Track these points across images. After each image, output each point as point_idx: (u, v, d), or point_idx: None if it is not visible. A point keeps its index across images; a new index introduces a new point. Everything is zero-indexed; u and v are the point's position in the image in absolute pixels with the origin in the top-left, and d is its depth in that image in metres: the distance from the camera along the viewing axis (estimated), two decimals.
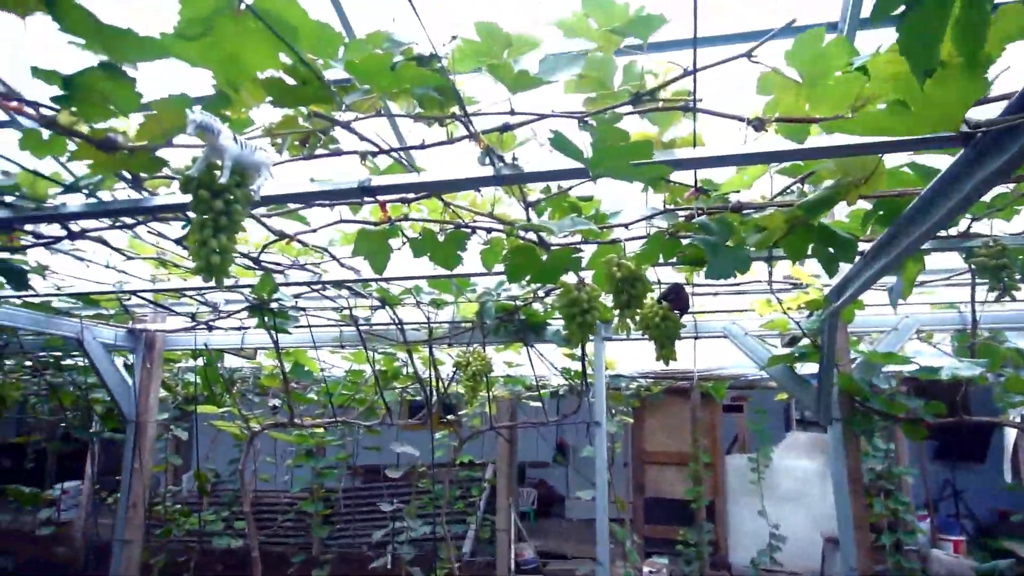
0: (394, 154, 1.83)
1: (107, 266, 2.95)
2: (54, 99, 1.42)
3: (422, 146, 1.72)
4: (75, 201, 2.04)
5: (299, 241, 2.58)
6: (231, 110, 1.59)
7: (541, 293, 3.35)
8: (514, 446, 7.59)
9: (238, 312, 3.70)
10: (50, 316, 3.89)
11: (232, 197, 1.45)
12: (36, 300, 3.79)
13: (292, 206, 2.28)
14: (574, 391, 4.89)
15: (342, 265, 2.89)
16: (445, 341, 3.98)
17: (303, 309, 3.68)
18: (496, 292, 3.47)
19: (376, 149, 1.75)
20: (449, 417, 4.76)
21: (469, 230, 2.27)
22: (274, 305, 3.56)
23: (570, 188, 2.07)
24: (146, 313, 4.30)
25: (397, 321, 3.75)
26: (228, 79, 1.53)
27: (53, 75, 1.40)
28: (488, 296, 3.56)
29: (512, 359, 5.14)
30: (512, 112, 1.63)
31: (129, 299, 3.66)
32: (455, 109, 1.61)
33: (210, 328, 4.25)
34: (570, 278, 2.24)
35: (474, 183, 1.72)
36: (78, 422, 5.24)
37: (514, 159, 1.68)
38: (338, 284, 3.16)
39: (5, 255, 2.85)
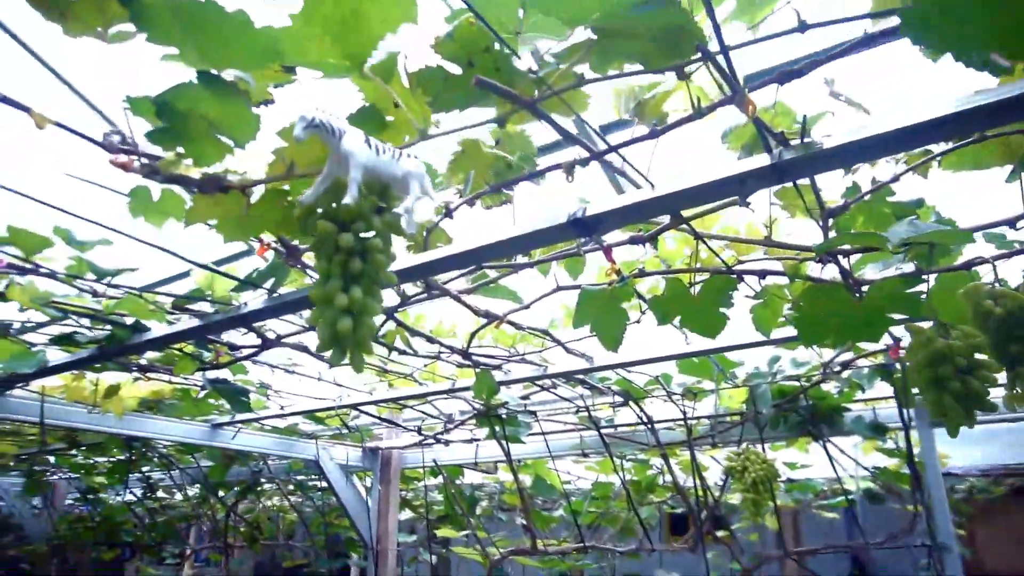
0: (608, 167, 1.24)
1: (319, 378, 2.69)
2: (150, 135, 1.05)
3: (652, 134, 1.11)
4: (256, 299, 1.72)
5: (512, 324, 2.06)
6: (388, 136, 1.13)
7: (838, 364, 2.46)
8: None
9: (465, 421, 3.28)
10: (290, 439, 3.80)
11: (367, 228, 0.94)
12: (280, 423, 3.72)
13: (491, 273, 1.78)
14: (887, 496, 3.71)
15: (569, 351, 2.32)
16: (708, 441, 3.18)
17: (534, 413, 3.15)
18: (772, 372, 2.65)
19: (587, 153, 1.17)
20: (721, 533, 3.83)
21: (734, 276, 1.57)
22: (501, 411, 3.07)
23: (895, 179, 1.31)
24: (381, 431, 4.08)
25: (645, 419, 3.04)
26: (376, 99, 1.08)
27: (143, 103, 1.04)
28: (760, 378, 2.74)
29: (794, 458, 4.10)
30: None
31: (349, 415, 3.41)
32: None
33: (443, 442, 3.88)
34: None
35: (742, 183, 1.05)
36: (324, 549, 5.13)
37: (804, 135, 0.99)
38: (568, 376, 2.58)
39: (226, 375, 2.73)
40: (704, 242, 1.51)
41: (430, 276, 1.64)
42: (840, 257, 1.42)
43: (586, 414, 3.17)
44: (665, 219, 1.41)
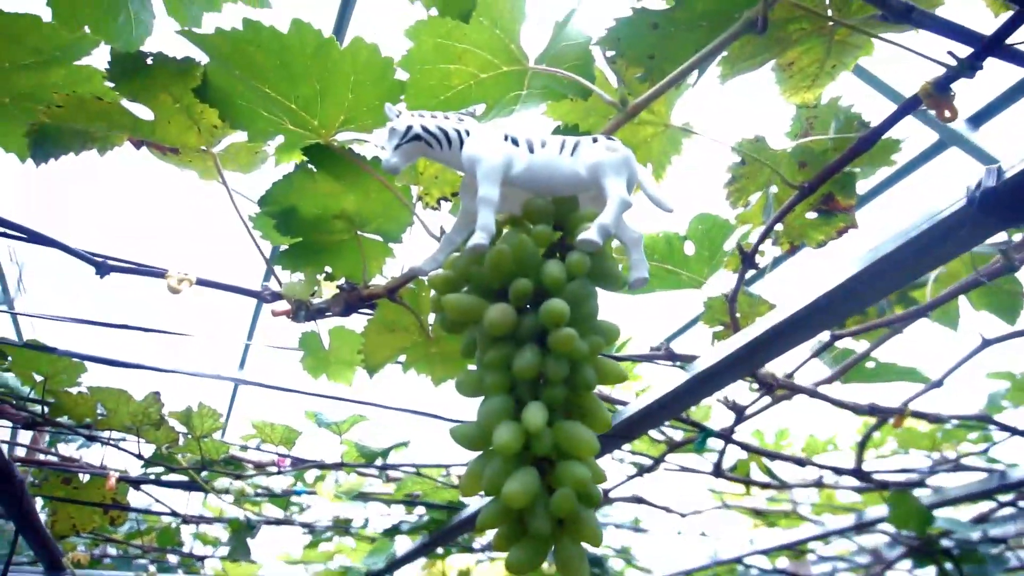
0: None
1: (679, 533, 2.14)
2: (280, 260, 0.77)
3: None
4: None
5: (921, 416, 1.33)
6: None
7: None
8: None
9: (894, 563, 2.35)
10: None
11: (557, 295, 0.48)
12: None
13: (854, 344, 1.13)
14: None
15: None
16: None
17: (1003, 541, 2.12)
18: None
19: None
20: None
21: None
22: (947, 542, 2.12)
23: None
24: None
25: None
26: None
27: (266, 221, 0.77)
28: None
29: None
30: None
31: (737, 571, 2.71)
32: None
33: None
34: None
35: None
36: None
37: None
38: None
39: None
40: None
41: (753, 370, 1.08)
42: None
43: None
44: None
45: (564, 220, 0.52)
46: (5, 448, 1.30)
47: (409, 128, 0.51)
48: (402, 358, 0.84)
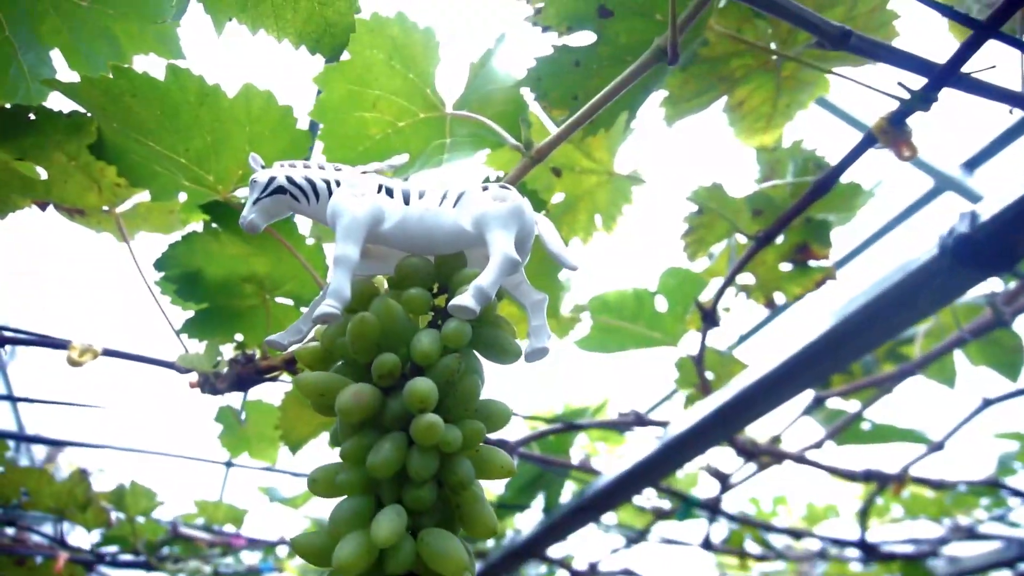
0: None
1: None
2: (185, 329, 0.70)
3: None
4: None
5: (923, 483, 1.21)
6: None
7: None
8: None
9: None
10: None
11: (438, 376, 0.40)
12: None
13: (845, 405, 1.04)
14: None
15: None
16: None
17: None
18: None
19: None
20: None
21: None
22: None
23: None
24: None
25: None
26: None
27: (166, 281, 0.70)
28: None
29: None
30: None
31: None
32: None
33: None
34: None
35: None
36: None
37: None
38: None
39: None
40: None
41: (729, 435, 0.98)
42: None
43: None
44: None
45: (447, 282, 0.45)
46: None
47: (271, 180, 0.45)
48: (326, 435, 0.76)
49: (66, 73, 0.76)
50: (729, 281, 0.78)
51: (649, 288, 1.14)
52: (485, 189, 0.44)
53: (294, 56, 0.68)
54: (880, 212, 1.23)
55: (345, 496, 0.40)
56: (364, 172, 0.47)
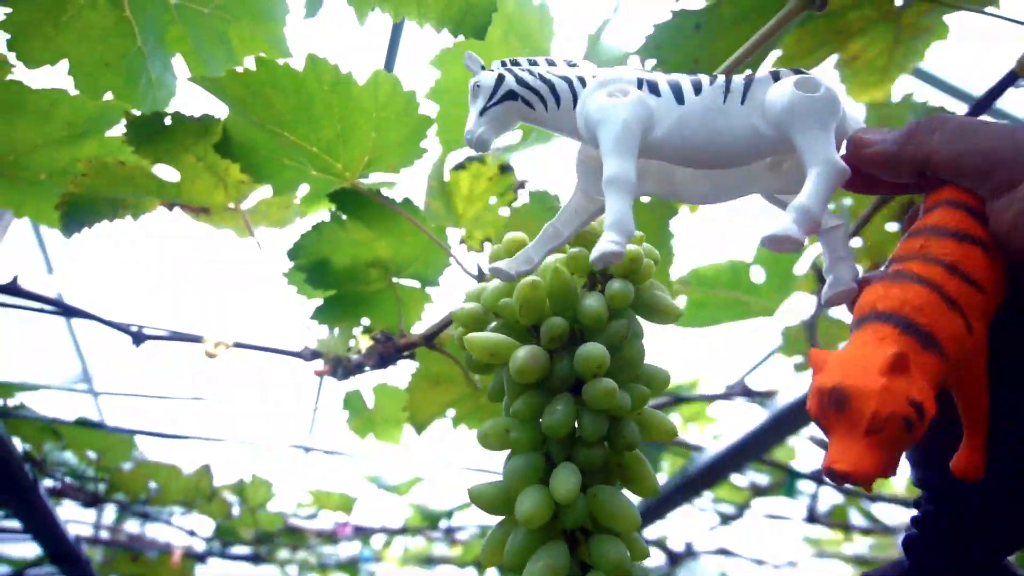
0: None
1: None
2: (316, 315, 0.73)
3: None
4: None
5: None
6: None
7: None
8: None
9: None
10: None
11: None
12: None
13: None
14: None
15: None
16: None
17: None
18: None
19: None
20: None
21: None
22: None
23: None
24: None
25: None
26: None
27: (298, 275, 0.72)
28: None
29: None
30: None
31: None
32: None
33: None
34: None
35: None
36: None
37: None
38: None
39: None
40: None
41: None
42: None
43: None
44: None
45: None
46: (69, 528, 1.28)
47: (500, 82, 0.36)
48: (452, 412, 0.78)
49: (184, 80, 0.79)
50: (852, 235, 0.76)
51: (745, 260, 1.13)
52: (776, 76, 0.35)
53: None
54: None
55: (514, 453, 0.40)
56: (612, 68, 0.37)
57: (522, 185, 0.80)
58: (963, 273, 0.27)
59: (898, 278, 0.28)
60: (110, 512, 1.59)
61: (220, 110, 0.69)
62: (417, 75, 0.70)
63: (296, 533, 1.40)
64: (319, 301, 0.73)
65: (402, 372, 0.82)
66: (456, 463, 1.19)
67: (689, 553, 1.64)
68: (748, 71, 0.36)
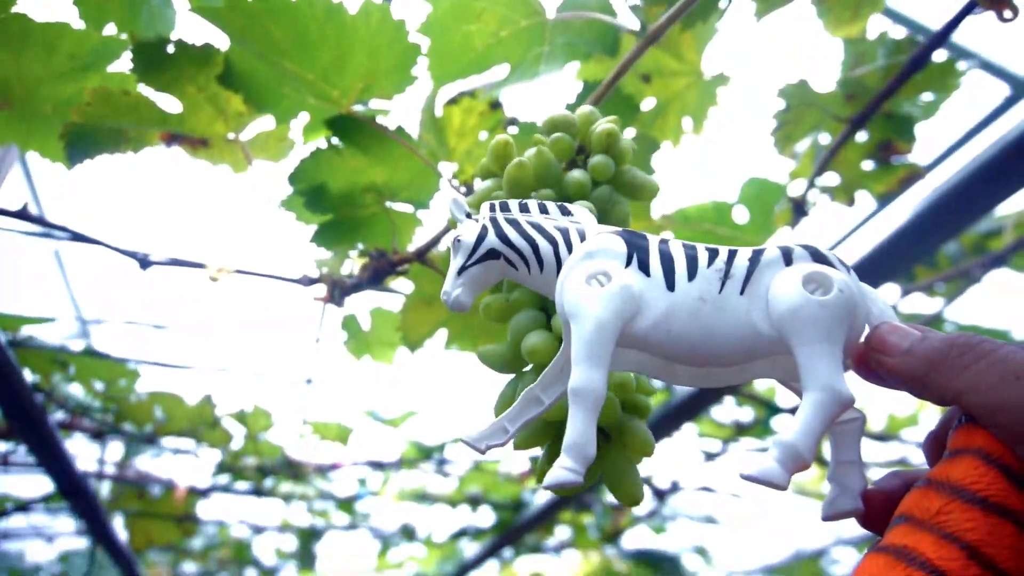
0: None
1: None
2: (315, 239, 0.77)
3: None
4: None
5: None
6: None
7: None
8: None
9: None
10: None
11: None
12: None
13: None
14: None
15: None
16: None
17: None
18: None
19: None
20: None
21: None
22: None
23: None
24: None
25: None
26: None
27: (296, 201, 0.76)
28: None
29: None
30: None
31: None
32: None
33: None
34: None
35: None
36: None
37: None
38: None
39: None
40: None
41: None
42: None
43: None
44: None
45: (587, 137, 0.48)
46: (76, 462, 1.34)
47: (481, 239, 0.35)
48: (444, 333, 0.82)
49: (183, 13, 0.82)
50: (821, 169, 0.80)
51: (728, 200, 1.17)
52: (788, 257, 0.30)
53: None
54: (956, 125, 1.23)
55: (515, 313, 0.43)
56: (600, 233, 0.34)
57: (512, 122, 0.84)
58: (986, 559, 0.22)
59: (902, 559, 0.22)
60: (115, 450, 1.65)
61: (219, 41, 0.72)
62: (409, 7, 0.73)
63: (296, 466, 1.46)
64: (315, 231, 0.77)
65: (398, 301, 0.87)
66: (449, 396, 1.24)
67: (675, 490, 1.71)
68: (754, 248, 0.31)
